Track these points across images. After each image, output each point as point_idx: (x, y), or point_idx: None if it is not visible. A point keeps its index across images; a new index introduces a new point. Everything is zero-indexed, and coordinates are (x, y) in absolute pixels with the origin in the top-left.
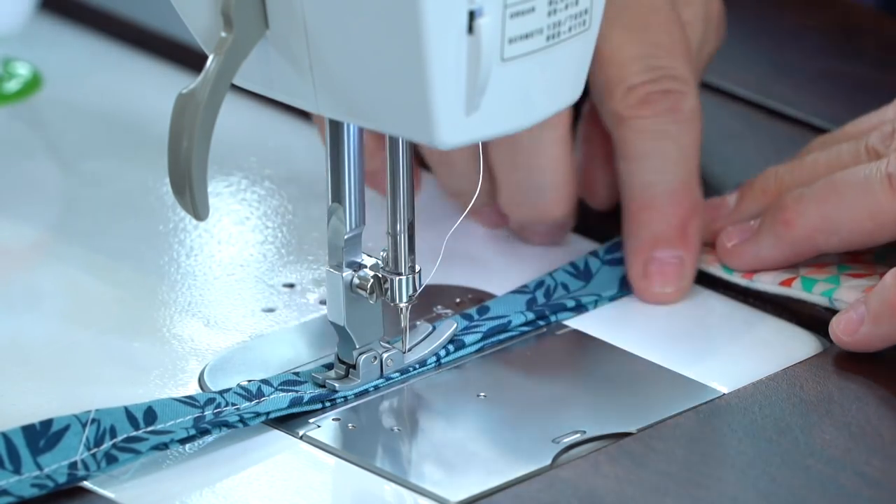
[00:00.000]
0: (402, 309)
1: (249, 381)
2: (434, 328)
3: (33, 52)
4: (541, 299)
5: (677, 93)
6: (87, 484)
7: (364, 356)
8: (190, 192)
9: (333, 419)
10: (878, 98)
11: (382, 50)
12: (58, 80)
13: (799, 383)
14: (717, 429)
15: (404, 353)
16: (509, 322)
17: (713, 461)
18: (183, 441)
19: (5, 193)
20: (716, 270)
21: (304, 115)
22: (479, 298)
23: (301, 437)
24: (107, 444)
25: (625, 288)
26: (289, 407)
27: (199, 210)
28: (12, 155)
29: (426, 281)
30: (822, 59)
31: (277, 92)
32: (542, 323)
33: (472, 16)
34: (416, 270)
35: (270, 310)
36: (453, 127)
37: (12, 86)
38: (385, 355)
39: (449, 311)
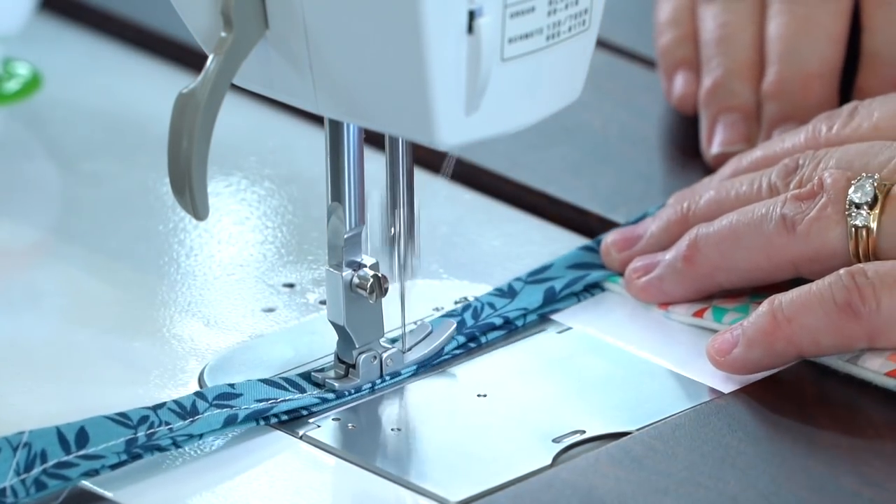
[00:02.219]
0: (401, 309)
1: (185, 397)
2: (433, 328)
3: (33, 52)
4: (469, 321)
5: None
6: (86, 484)
7: (364, 356)
8: (190, 192)
9: (333, 419)
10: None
11: (382, 50)
12: (58, 80)
13: (799, 383)
14: (717, 429)
15: (404, 352)
16: (443, 348)
17: (713, 461)
18: (114, 466)
19: (5, 193)
20: (635, 294)
21: (304, 115)
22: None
23: (301, 437)
24: (37, 470)
25: (549, 303)
26: (223, 427)
27: (198, 210)
28: (12, 155)
29: (426, 281)
30: None
31: (277, 92)
32: (472, 345)
33: (472, 16)
34: (416, 271)
35: (270, 310)
36: (453, 127)
37: (12, 86)
38: (385, 355)
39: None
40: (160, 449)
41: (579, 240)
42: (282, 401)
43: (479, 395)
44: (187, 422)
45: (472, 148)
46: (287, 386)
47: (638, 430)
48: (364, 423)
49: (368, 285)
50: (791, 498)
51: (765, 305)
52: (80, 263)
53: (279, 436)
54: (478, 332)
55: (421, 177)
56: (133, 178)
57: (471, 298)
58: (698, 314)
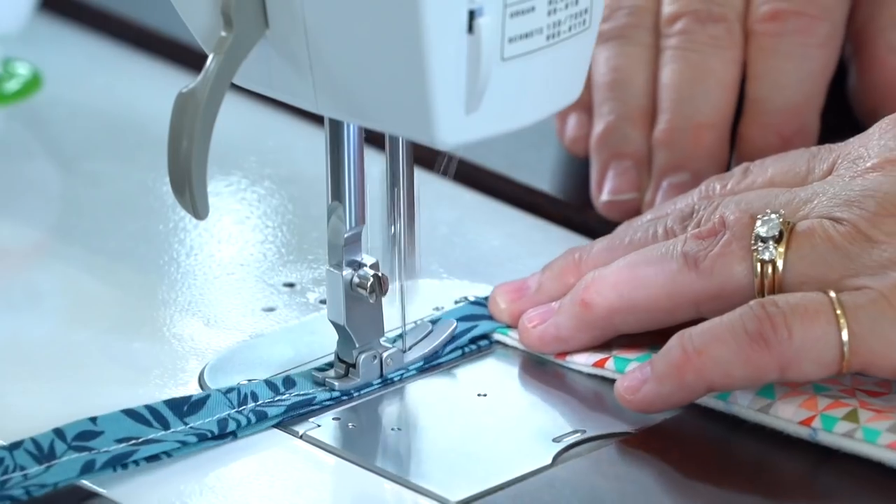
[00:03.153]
0: (401, 309)
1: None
2: (433, 328)
3: (33, 52)
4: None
5: (810, 17)
6: (87, 484)
7: (364, 355)
8: (190, 192)
9: (333, 418)
10: None
11: (382, 50)
12: (58, 80)
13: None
14: (716, 429)
15: (404, 351)
16: (314, 398)
17: (713, 460)
18: None
19: (5, 194)
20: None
21: (304, 114)
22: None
23: (301, 437)
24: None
25: (430, 361)
26: (80, 475)
27: (199, 209)
28: (12, 155)
29: (426, 281)
30: None
31: (277, 92)
32: (345, 398)
33: (472, 15)
34: (416, 271)
35: (270, 309)
36: (453, 126)
37: (12, 86)
38: (385, 354)
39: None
40: (12, 499)
41: (579, 239)
42: (143, 441)
43: (479, 395)
44: (43, 467)
45: (472, 148)
46: (152, 421)
47: (638, 430)
48: (364, 422)
49: (369, 285)
50: (794, 494)
51: (674, 339)
52: (80, 263)
53: (279, 435)
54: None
55: (421, 177)
56: (133, 178)
57: (471, 298)
58: (599, 363)
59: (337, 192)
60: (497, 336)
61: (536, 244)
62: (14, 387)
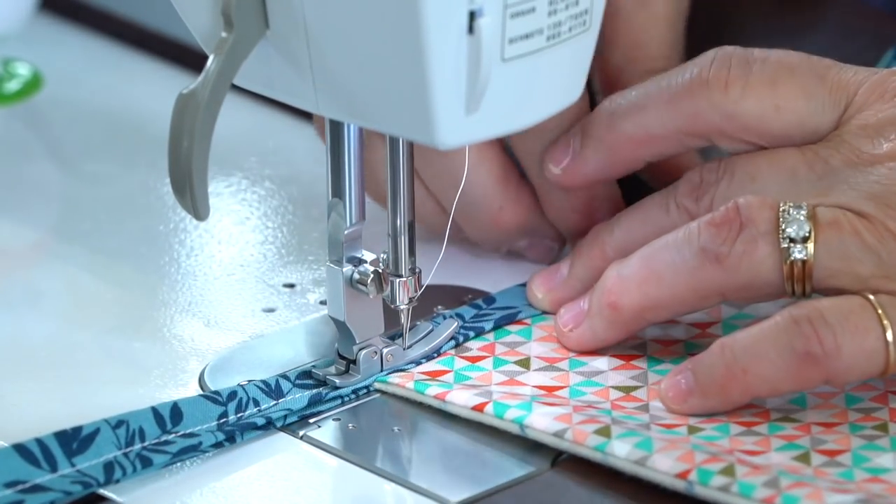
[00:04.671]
0: (402, 311)
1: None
2: (433, 327)
3: (33, 52)
4: (232, 413)
5: None
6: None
7: (364, 351)
8: (190, 192)
9: (333, 419)
10: None
11: (382, 50)
12: (58, 80)
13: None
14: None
15: (405, 349)
16: (200, 443)
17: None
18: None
19: (5, 194)
20: (408, 393)
21: (304, 115)
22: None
23: (301, 437)
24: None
25: (314, 405)
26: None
27: (199, 210)
28: (12, 155)
29: (426, 281)
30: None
31: (277, 92)
32: (227, 444)
33: (472, 16)
34: (417, 272)
35: (270, 310)
36: (453, 127)
37: (12, 86)
38: (385, 350)
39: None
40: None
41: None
42: (30, 488)
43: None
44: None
45: None
46: (41, 460)
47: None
48: (364, 423)
49: (369, 281)
50: None
51: (716, 350)
52: (80, 263)
53: (279, 436)
54: (238, 430)
55: None
56: (133, 178)
57: (471, 298)
58: (478, 407)
59: (337, 189)
60: (378, 385)
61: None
62: (14, 387)
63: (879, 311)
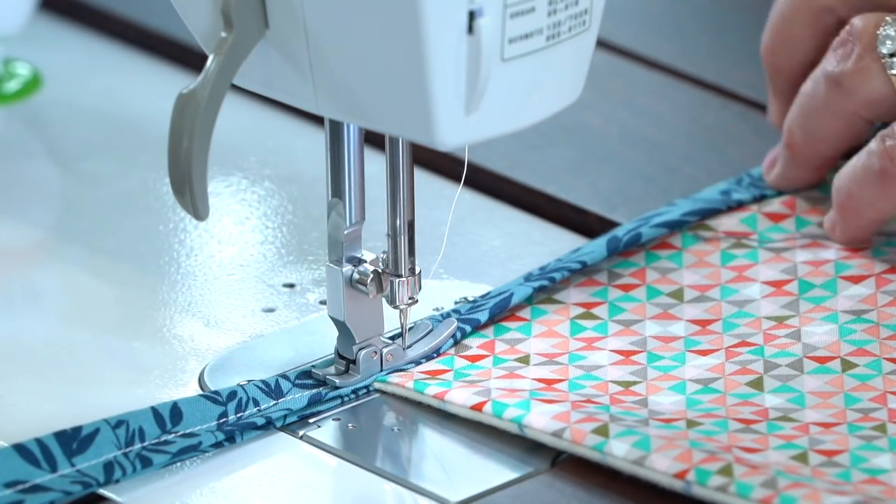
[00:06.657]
0: (402, 311)
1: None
2: (433, 327)
3: (33, 52)
4: (232, 413)
5: None
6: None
7: (364, 351)
8: (190, 192)
9: (333, 419)
10: None
11: (382, 50)
12: (58, 80)
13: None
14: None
15: (405, 349)
16: (200, 443)
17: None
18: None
19: (5, 194)
20: (408, 392)
21: (304, 115)
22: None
23: (301, 437)
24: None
25: (314, 404)
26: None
27: (199, 210)
28: (12, 155)
29: (426, 281)
30: None
31: (277, 92)
32: (227, 444)
33: (472, 16)
34: (416, 272)
35: (270, 310)
36: (453, 127)
37: (12, 86)
38: (385, 350)
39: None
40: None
41: (579, 240)
42: (30, 488)
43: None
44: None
45: (472, 148)
46: (41, 460)
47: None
48: (364, 423)
49: (368, 281)
50: None
51: (835, 182)
52: (80, 263)
53: (279, 436)
54: (238, 430)
55: (421, 177)
56: (133, 178)
57: (470, 298)
58: (477, 406)
59: (337, 189)
60: (377, 385)
61: (536, 244)
62: (14, 387)
63: None
